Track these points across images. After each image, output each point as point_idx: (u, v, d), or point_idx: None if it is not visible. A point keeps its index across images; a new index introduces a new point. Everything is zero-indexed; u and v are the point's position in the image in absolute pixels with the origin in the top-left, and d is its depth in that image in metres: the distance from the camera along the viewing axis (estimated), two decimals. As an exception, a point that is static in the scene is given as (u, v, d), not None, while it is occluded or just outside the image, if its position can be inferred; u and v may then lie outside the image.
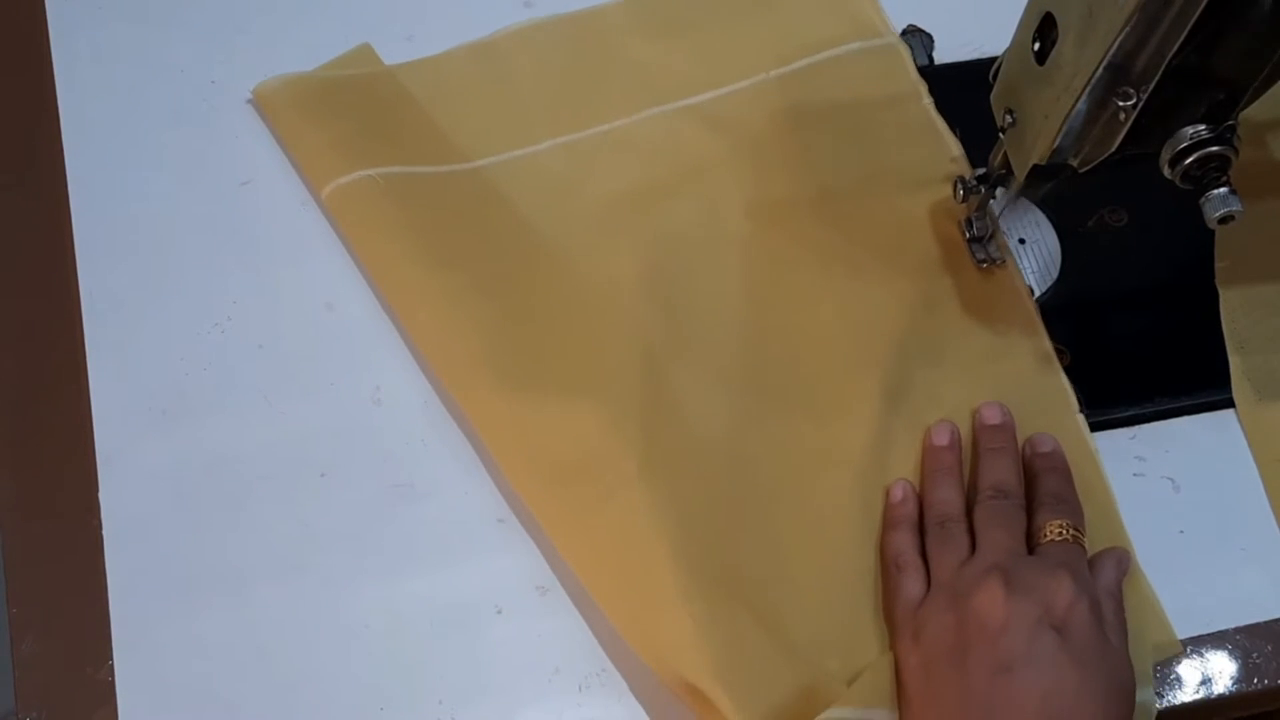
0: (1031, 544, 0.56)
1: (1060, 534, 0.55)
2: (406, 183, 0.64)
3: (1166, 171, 0.53)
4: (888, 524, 0.59)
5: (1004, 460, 0.59)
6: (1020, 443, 0.60)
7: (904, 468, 0.60)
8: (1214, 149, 0.51)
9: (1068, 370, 0.62)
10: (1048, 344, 0.63)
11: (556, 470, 0.57)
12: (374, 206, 0.63)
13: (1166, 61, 0.49)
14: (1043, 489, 0.58)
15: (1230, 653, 0.57)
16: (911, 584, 0.56)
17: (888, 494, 0.60)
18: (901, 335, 0.63)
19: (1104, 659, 0.51)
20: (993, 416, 0.61)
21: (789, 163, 0.68)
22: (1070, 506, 0.57)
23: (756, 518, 0.59)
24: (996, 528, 0.56)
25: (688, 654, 0.53)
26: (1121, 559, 0.57)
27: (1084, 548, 0.56)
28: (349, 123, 0.66)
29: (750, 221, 0.66)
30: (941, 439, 0.60)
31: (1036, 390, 0.62)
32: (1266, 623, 0.58)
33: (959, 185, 0.63)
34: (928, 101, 0.69)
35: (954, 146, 0.68)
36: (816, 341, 0.63)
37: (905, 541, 0.57)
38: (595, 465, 0.57)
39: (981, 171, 0.62)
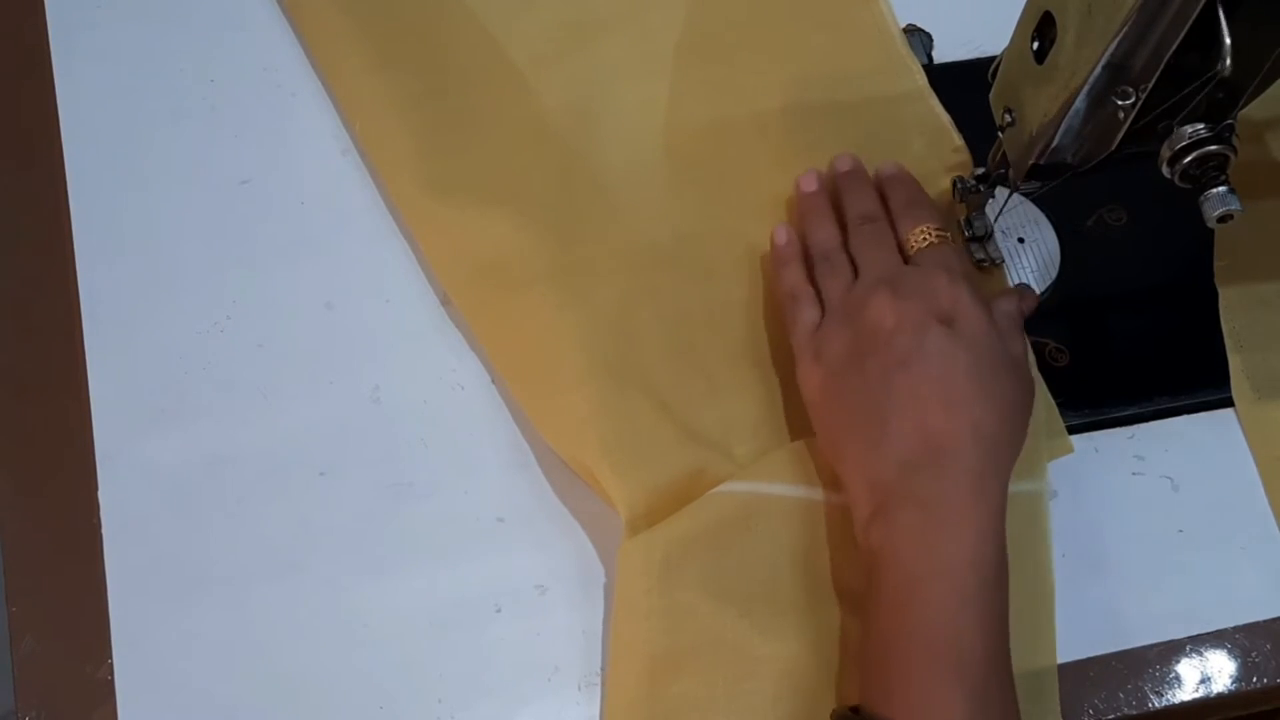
0: (904, 254, 0.60)
1: (925, 238, 0.59)
2: None
3: (1165, 170, 0.53)
4: (777, 263, 0.62)
5: (863, 190, 0.63)
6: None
7: None
8: (1213, 148, 0.51)
9: (1066, 369, 0.63)
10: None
11: (475, 265, 0.62)
12: (331, 12, 0.68)
13: (1165, 61, 0.49)
14: (895, 201, 0.62)
15: (1229, 651, 0.57)
16: (807, 311, 0.60)
17: (772, 238, 0.63)
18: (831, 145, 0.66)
19: (991, 342, 0.55)
20: (844, 164, 0.65)
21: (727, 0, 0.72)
22: (925, 210, 0.61)
23: (670, 314, 0.62)
24: (872, 248, 0.60)
25: (582, 433, 0.57)
26: (1026, 295, 0.61)
27: (950, 242, 0.60)
28: None
29: (682, 57, 0.70)
30: (811, 185, 0.64)
31: None
32: (1265, 621, 0.58)
33: (957, 184, 0.63)
34: None
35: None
36: (734, 175, 0.66)
37: (797, 274, 0.61)
38: (508, 263, 0.61)
39: (980, 171, 0.62)
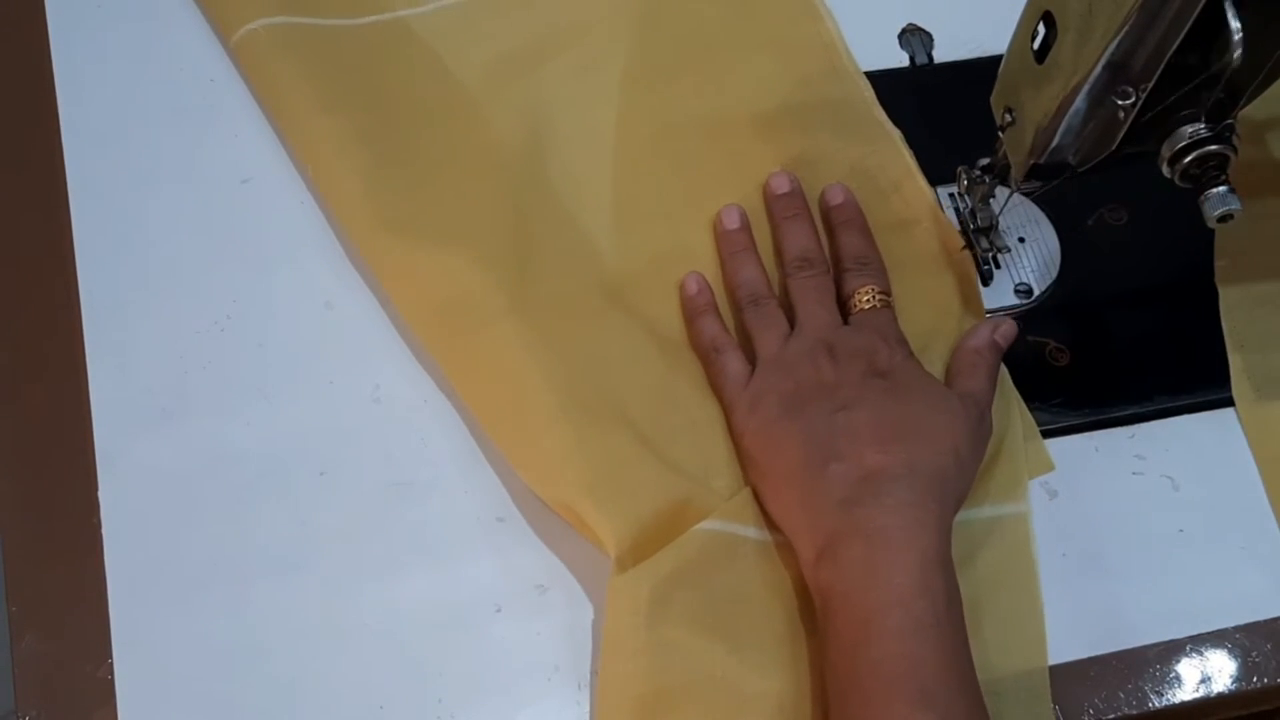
0: (844, 308, 0.60)
1: (869, 301, 0.60)
2: (304, 33, 0.67)
3: (1166, 170, 0.53)
4: (691, 315, 0.61)
5: (800, 226, 0.63)
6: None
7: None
8: (1213, 148, 0.51)
9: (1066, 369, 0.63)
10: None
11: (435, 305, 0.60)
12: (274, 54, 0.67)
13: (1165, 60, 0.49)
14: (845, 251, 0.62)
15: (1230, 651, 0.57)
16: (734, 362, 0.59)
17: (682, 288, 0.62)
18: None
19: (928, 387, 0.57)
20: (781, 185, 0.64)
21: (666, 22, 0.70)
22: (874, 267, 0.61)
23: (636, 345, 0.61)
24: (812, 303, 0.60)
25: (561, 473, 0.56)
26: (1001, 325, 0.60)
27: (892, 307, 0.60)
28: None
29: (629, 81, 0.69)
30: (732, 222, 0.63)
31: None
32: (1266, 621, 0.58)
33: (963, 175, 0.63)
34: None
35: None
36: (687, 200, 0.65)
37: (715, 326, 0.61)
38: (467, 302, 0.60)
39: (986, 162, 0.61)
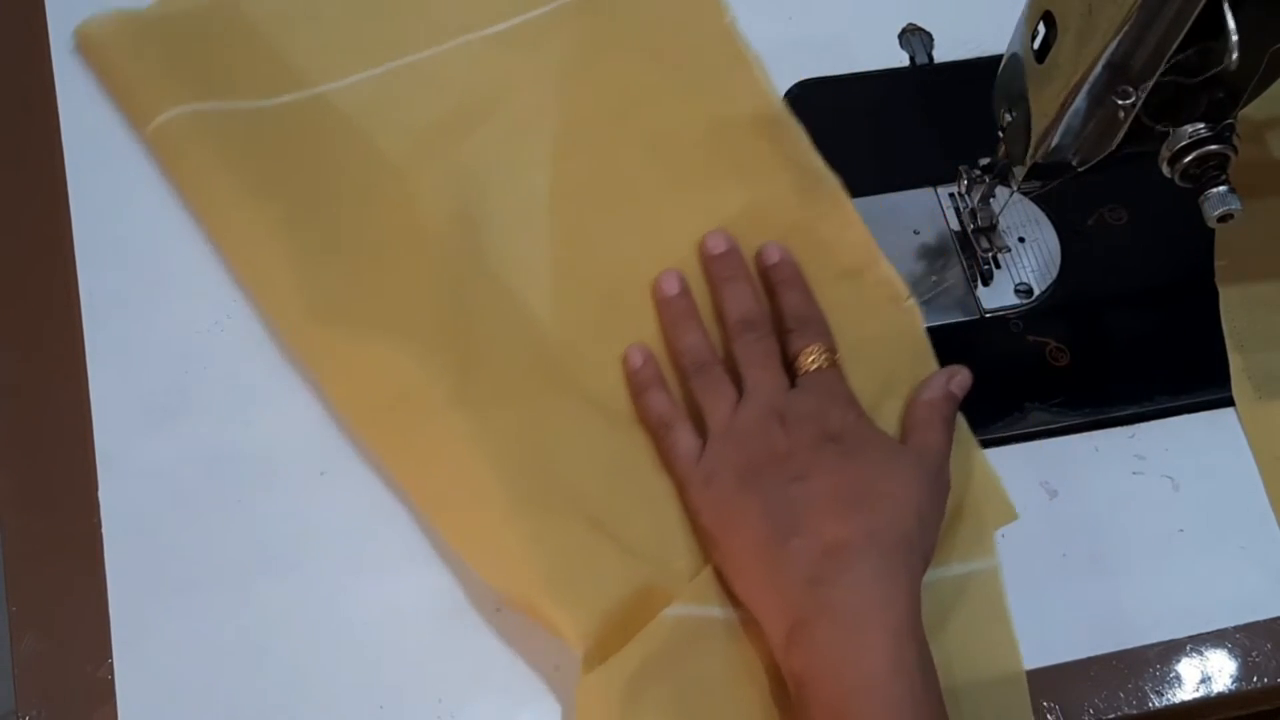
0: (790, 369, 0.58)
1: (815, 362, 0.58)
2: (220, 119, 0.64)
3: (1166, 170, 0.53)
4: (637, 390, 0.60)
5: (740, 287, 0.61)
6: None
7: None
8: (1213, 148, 0.52)
9: (1066, 369, 0.63)
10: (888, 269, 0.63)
11: (374, 400, 0.58)
12: (191, 144, 0.64)
13: (1165, 60, 0.49)
14: (786, 311, 0.60)
15: (1230, 651, 0.57)
16: (685, 437, 0.57)
17: (626, 361, 0.60)
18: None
19: (883, 446, 0.56)
20: (717, 245, 0.62)
21: (594, 82, 0.68)
22: (816, 326, 0.59)
23: (587, 426, 0.59)
24: (757, 368, 0.58)
25: (519, 570, 0.54)
26: (956, 375, 0.59)
27: (838, 366, 0.58)
28: (162, 58, 0.66)
29: (558, 146, 0.66)
30: (672, 288, 0.61)
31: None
32: (1266, 621, 0.58)
33: (964, 174, 0.63)
34: (730, 19, 0.68)
35: (758, 71, 0.67)
36: (627, 264, 0.63)
37: (662, 400, 0.59)
38: (408, 395, 0.58)
39: (987, 161, 0.61)
